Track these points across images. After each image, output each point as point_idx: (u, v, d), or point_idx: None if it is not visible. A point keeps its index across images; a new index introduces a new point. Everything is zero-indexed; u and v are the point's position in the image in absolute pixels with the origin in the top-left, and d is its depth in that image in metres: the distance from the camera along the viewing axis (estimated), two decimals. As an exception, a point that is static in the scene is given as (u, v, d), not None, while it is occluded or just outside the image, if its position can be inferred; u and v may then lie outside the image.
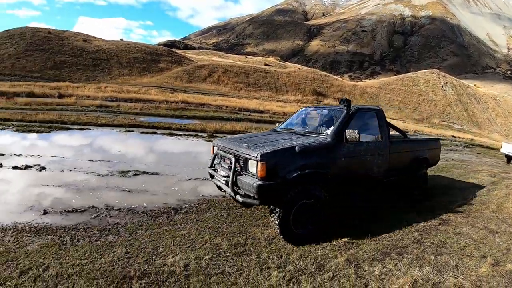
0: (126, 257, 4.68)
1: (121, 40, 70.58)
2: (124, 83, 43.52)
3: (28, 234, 5.38)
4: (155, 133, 16.55)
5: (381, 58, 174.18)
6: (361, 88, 64.27)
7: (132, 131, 16.67)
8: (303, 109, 7.85)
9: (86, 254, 4.72)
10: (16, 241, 5.15)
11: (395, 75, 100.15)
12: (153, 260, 4.62)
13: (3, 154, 10.34)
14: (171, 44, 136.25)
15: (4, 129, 14.93)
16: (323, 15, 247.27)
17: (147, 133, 16.31)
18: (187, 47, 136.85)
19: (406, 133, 8.81)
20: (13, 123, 16.30)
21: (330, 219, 5.70)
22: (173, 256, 4.71)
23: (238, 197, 5.34)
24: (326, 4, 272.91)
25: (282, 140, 5.81)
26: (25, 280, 4.05)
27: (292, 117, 7.77)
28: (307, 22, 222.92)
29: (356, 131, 5.68)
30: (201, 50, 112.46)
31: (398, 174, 7.35)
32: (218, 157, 6.39)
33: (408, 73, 78.56)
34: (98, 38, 64.77)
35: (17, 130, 14.86)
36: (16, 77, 41.87)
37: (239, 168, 5.46)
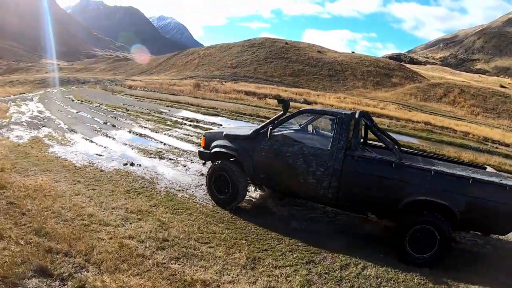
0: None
1: (352, 52, 71.63)
2: (359, 96, 43.44)
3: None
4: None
5: None
6: None
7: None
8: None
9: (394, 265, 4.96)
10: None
11: None
12: None
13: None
14: (396, 58, 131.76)
15: (272, 128, 16.57)
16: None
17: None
18: (413, 61, 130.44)
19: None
20: (275, 123, 17.61)
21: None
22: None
23: None
24: None
25: (236, 128, 8.52)
26: (348, 275, 4.54)
27: None
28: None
29: (269, 127, 5.99)
30: (428, 66, 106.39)
31: (364, 205, 5.66)
32: None
33: None
34: (331, 49, 66.91)
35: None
36: (259, 80, 46.13)
37: None
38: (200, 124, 15.99)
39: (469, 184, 5.09)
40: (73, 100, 26.03)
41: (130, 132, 14.11)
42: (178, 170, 9.13)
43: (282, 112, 6.41)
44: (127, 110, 20.05)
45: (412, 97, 47.93)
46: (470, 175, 5.35)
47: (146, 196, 6.85)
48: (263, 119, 17.58)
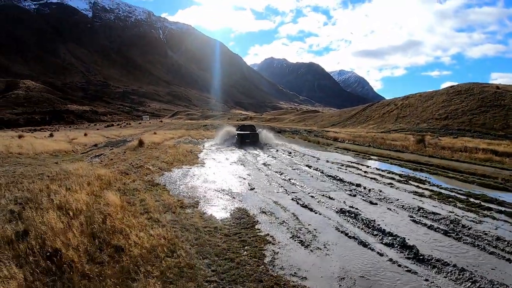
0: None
1: None
2: None
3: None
4: None
5: None
6: None
7: None
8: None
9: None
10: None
11: None
12: None
13: None
14: None
15: None
16: None
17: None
18: None
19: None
20: None
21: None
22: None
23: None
24: None
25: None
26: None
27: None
28: None
29: (237, 130, 31.90)
30: None
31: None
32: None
33: None
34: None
35: None
36: (478, 134, 41.71)
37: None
38: (506, 208, 9.65)
39: (238, 133, 29.90)
40: (277, 151, 24.03)
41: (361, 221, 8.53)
42: None
43: (238, 127, 33.48)
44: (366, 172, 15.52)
45: None
46: (238, 131, 30.73)
47: None
48: None
